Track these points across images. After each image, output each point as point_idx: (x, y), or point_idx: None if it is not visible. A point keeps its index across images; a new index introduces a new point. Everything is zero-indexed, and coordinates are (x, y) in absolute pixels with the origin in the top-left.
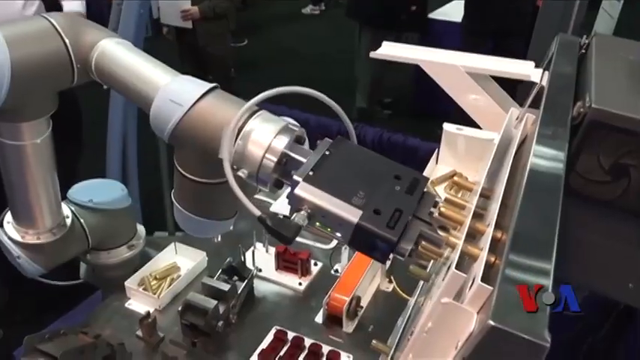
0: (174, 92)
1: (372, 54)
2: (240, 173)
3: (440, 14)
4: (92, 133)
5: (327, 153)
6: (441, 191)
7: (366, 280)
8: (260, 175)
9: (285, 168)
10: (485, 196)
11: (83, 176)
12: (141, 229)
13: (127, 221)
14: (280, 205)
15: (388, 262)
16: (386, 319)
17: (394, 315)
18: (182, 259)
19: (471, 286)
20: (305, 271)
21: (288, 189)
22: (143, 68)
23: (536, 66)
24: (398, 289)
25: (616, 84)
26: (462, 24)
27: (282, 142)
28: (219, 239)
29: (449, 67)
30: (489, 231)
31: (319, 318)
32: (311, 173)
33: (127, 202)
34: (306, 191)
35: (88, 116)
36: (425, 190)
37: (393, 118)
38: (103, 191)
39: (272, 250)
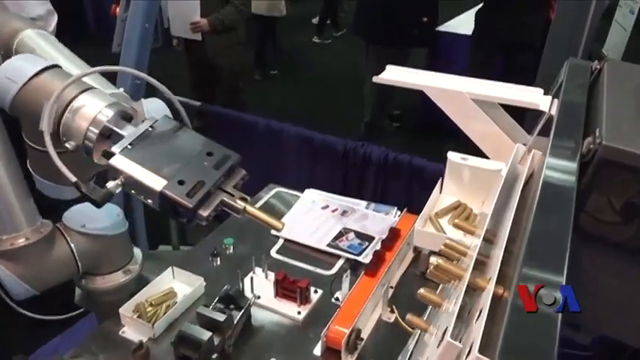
0: (10, 70)
1: (375, 79)
2: (68, 145)
3: (449, 27)
4: None
5: (149, 129)
6: (445, 223)
7: (367, 310)
8: (85, 146)
9: (109, 140)
10: (489, 241)
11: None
12: (138, 253)
13: (123, 246)
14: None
15: (390, 291)
16: (387, 352)
17: (396, 347)
18: (179, 285)
19: (468, 354)
20: (304, 300)
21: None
22: (50, 57)
23: (545, 93)
24: (400, 320)
25: (628, 118)
26: (471, 37)
27: (105, 117)
28: (219, 263)
29: (454, 93)
30: (490, 288)
31: (318, 350)
32: (129, 147)
33: (122, 227)
34: (119, 162)
35: None
36: (235, 166)
37: (402, 132)
38: (98, 216)
39: (272, 275)
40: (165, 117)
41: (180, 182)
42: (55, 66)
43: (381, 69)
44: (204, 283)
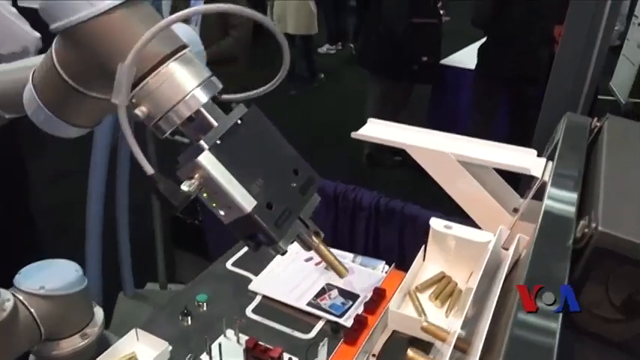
0: None
1: (354, 135)
2: (137, 111)
3: (453, 61)
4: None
5: (238, 122)
6: (426, 300)
7: None
8: (162, 121)
9: (191, 124)
10: (462, 349)
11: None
12: (99, 313)
13: (83, 306)
14: (259, 284)
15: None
16: None
17: None
18: (143, 348)
19: None
20: None
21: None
22: None
23: (539, 155)
24: None
25: (630, 196)
26: (475, 72)
27: (203, 97)
28: (189, 322)
29: (438, 154)
30: None
31: None
32: (218, 142)
33: (82, 283)
34: (209, 162)
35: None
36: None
37: (404, 166)
38: (55, 274)
39: (244, 338)
40: (255, 108)
41: (269, 205)
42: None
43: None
44: (170, 348)
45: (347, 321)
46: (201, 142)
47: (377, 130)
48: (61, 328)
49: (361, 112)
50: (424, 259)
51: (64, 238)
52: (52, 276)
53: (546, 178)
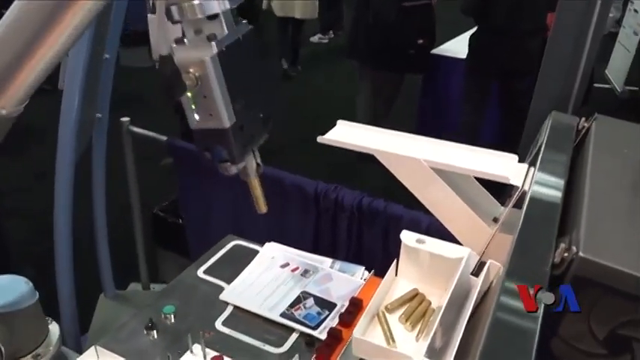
0: None
1: (320, 139)
2: None
3: (443, 51)
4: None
5: (240, 38)
6: (395, 322)
7: None
8: (185, 5)
9: (206, 23)
10: None
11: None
12: (54, 330)
13: (36, 321)
14: (230, 294)
15: None
16: None
17: None
18: None
19: None
20: None
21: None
22: None
23: (522, 159)
24: None
25: (615, 214)
26: (465, 62)
27: (227, 3)
28: (155, 337)
29: (410, 160)
30: None
31: None
32: (224, 49)
33: (33, 297)
34: (213, 66)
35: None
36: None
37: None
38: (3, 290)
39: (212, 353)
40: (252, 30)
41: (241, 127)
42: None
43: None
44: None
45: (322, 333)
46: (213, 44)
47: (346, 134)
48: (15, 349)
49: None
50: (396, 274)
51: (40, 241)
52: (1, 292)
53: (527, 187)
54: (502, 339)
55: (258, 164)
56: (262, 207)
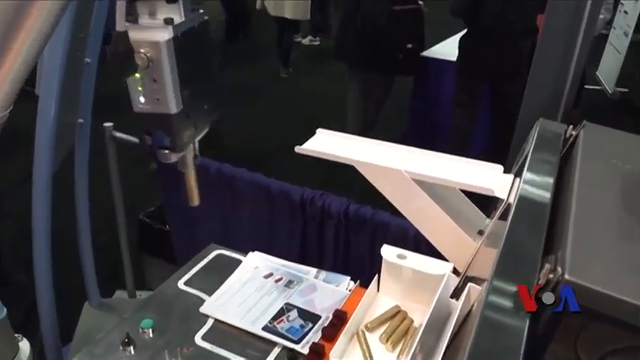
0: None
1: (298, 149)
2: None
3: (434, 53)
4: None
5: (195, 26)
6: (376, 341)
7: None
8: None
9: (158, 4)
10: None
11: None
12: (24, 348)
13: (3, 339)
14: (211, 307)
15: None
16: None
17: None
18: None
19: None
20: None
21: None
22: None
23: (505, 170)
24: None
25: (602, 230)
26: (456, 65)
27: None
28: (132, 353)
29: (391, 172)
30: None
31: None
32: (179, 35)
33: (1, 311)
34: (168, 49)
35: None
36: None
37: None
38: None
39: None
40: (207, 21)
41: (187, 115)
42: None
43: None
44: None
45: (304, 347)
46: (170, 28)
47: (325, 143)
48: None
49: (334, 106)
50: (378, 290)
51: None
52: None
53: (512, 199)
54: None
55: (195, 155)
56: (195, 200)
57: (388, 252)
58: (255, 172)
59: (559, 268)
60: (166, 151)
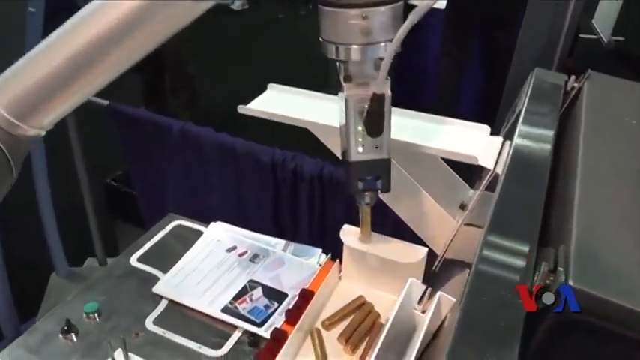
0: None
1: (240, 109)
2: None
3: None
4: None
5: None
6: (334, 341)
7: None
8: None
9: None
10: None
11: None
12: None
13: None
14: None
15: None
16: None
17: None
18: None
19: None
20: None
21: None
22: None
23: (494, 131)
24: None
25: (618, 221)
26: (445, 13)
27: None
28: (75, 340)
29: None
30: None
31: None
32: None
33: None
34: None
35: None
36: None
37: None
38: None
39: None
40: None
41: None
42: None
43: None
44: None
45: (267, 331)
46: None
47: (274, 101)
48: None
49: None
50: (340, 277)
51: None
52: None
53: (500, 167)
54: None
55: None
56: (369, 234)
57: (348, 234)
58: (222, 132)
59: (560, 269)
60: (371, 193)
